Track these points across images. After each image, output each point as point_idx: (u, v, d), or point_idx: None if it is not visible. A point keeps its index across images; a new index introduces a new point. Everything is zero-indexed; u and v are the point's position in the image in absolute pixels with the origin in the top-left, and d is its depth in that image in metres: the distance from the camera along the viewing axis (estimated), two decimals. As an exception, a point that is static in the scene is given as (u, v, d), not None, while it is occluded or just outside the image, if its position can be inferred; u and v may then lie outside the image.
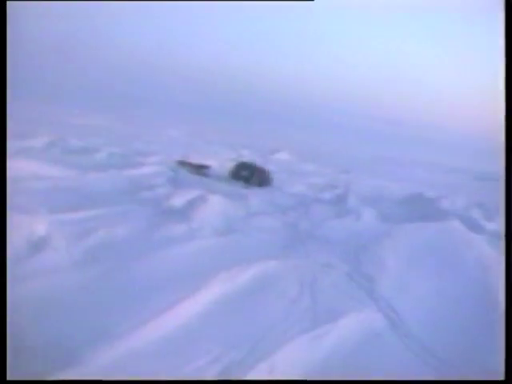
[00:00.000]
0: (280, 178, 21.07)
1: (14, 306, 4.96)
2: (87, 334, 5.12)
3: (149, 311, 5.68)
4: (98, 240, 8.21)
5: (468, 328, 6.62)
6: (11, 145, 14.05)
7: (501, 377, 4.67)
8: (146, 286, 6.52)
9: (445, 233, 10.02)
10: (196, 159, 22.23)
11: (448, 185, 31.47)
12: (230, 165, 21.10)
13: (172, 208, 10.95)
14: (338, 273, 8.18)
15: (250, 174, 18.68)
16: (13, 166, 9.93)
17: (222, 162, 24.05)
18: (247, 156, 29.81)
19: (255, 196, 14.21)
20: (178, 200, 11.54)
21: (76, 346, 4.86)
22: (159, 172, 17.39)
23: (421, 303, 7.38)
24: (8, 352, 4.51)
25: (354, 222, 12.07)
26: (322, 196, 17.38)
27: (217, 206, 11.34)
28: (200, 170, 19.69)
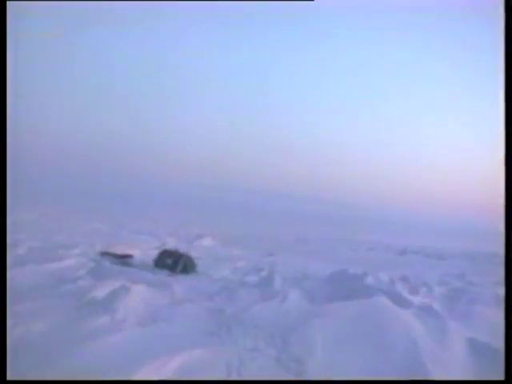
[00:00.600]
0: (204, 263, 21.03)
1: None
2: None
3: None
4: (16, 338, 7.87)
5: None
6: None
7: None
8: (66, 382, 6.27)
9: (371, 309, 10.11)
10: (119, 249, 21.99)
11: (371, 261, 32.01)
12: (153, 253, 20.93)
13: (94, 300, 10.64)
14: (265, 357, 8.06)
15: (174, 262, 18.53)
16: None
17: (145, 250, 23.87)
18: (171, 243, 29.65)
19: (180, 283, 14.06)
20: (101, 291, 11.25)
21: None
22: (81, 264, 17.04)
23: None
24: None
25: (280, 304, 11.99)
26: (247, 280, 17.33)
27: (140, 295, 11.13)
28: (123, 259, 19.42)
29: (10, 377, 4.63)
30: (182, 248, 23.26)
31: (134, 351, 7.58)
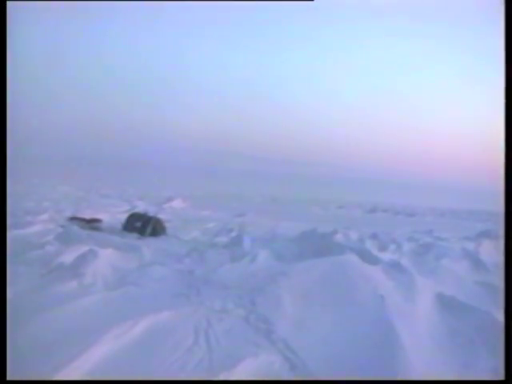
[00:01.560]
0: (174, 225, 21.01)
1: None
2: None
3: (38, 374, 5.39)
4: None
5: (368, 362, 6.66)
6: None
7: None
8: (33, 348, 6.22)
9: (339, 267, 10.16)
10: (88, 214, 21.88)
11: (341, 219, 32.22)
12: (123, 217, 20.84)
13: (61, 265, 10.56)
14: (233, 318, 8.07)
15: (142, 225, 18.44)
16: None
17: (114, 214, 23.78)
18: (141, 207, 29.54)
19: (149, 246, 13.99)
20: (68, 257, 11.17)
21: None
22: (49, 230, 16.91)
23: (319, 341, 7.38)
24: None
25: (248, 264, 12.03)
26: (217, 241, 17.36)
27: (108, 259, 11.07)
28: (91, 224, 19.31)
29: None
30: (152, 211, 23.19)
31: (102, 315, 7.54)
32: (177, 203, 36.12)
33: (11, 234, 14.98)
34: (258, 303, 8.71)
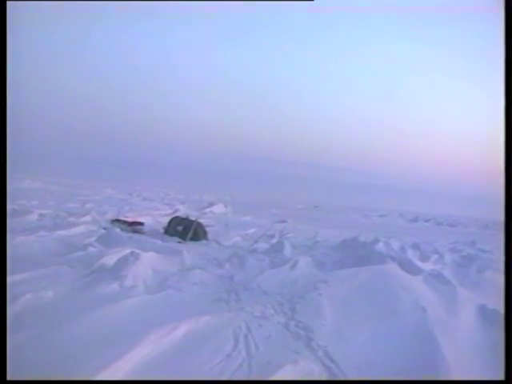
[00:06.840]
0: (215, 230, 21.09)
1: None
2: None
3: (78, 375, 5.41)
4: (24, 305, 7.88)
5: (407, 373, 6.56)
6: None
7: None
8: (75, 348, 6.23)
9: (380, 276, 10.07)
10: (130, 216, 22.08)
11: (383, 228, 31.97)
12: (164, 220, 20.97)
13: (103, 267, 10.65)
14: (273, 324, 8.02)
15: (184, 229, 18.50)
16: None
17: (156, 218, 23.95)
18: (182, 211, 29.72)
19: (189, 250, 14.02)
20: (110, 258, 11.26)
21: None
22: (92, 231, 17.12)
23: (359, 350, 7.28)
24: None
25: (289, 271, 12.00)
26: (257, 247, 17.32)
27: (150, 262, 11.14)
28: (134, 227, 19.46)
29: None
30: (194, 215, 23.30)
31: (143, 318, 7.57)
32: (218, 208, 36.24)
33: (55, 235, 15.20)
34: (297, 310, 8.67)
